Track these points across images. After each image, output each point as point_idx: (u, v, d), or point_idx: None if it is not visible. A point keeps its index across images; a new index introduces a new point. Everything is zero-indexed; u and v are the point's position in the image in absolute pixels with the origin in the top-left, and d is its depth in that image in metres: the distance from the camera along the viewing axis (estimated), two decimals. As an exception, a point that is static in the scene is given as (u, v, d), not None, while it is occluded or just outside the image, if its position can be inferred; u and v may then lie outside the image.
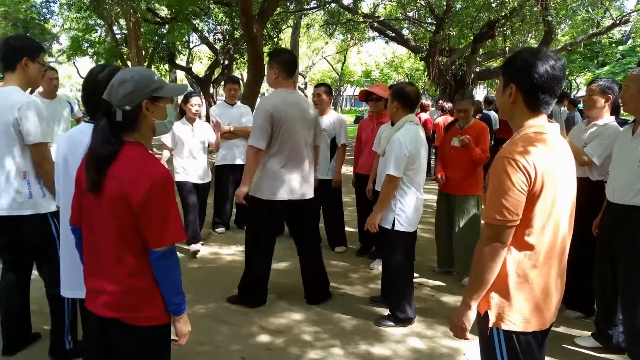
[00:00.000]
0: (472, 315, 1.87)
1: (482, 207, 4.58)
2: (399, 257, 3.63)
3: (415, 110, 4.96)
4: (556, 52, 2.00)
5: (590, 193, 3.52)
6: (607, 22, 14.56)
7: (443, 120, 10.25)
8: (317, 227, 4.49)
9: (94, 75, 2.31)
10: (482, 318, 1.89)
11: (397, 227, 3.54)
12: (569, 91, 25.29)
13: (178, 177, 5.19)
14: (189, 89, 5.96)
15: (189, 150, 5.19)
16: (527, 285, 1.79)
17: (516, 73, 1.79)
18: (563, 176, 1.79)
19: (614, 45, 19.37)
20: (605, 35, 15.89)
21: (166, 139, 5.18)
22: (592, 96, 3.65)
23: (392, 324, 3.69)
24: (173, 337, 1.96)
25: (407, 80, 34.31)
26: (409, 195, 3.54)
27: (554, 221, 1.78)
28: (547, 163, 1.72)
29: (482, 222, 1.82)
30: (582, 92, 27.79)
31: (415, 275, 4.81)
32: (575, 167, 3.65)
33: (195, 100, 5.25)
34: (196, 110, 5.21)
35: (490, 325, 1.84)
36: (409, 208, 3.55)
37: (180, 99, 5.78)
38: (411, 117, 3.59)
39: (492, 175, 1.77)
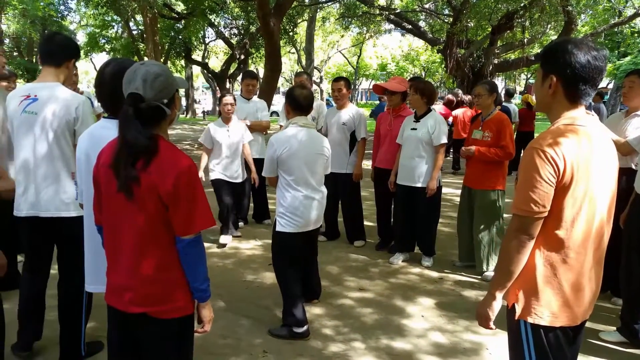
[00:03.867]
0: (496, 306, 1.86)
1: (504, 201, 4.57)
2: (279, 261, 3.53)
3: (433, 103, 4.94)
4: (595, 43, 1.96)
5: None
6: (629, 12, 14.26)
7: (462, 113, 10.17)
8: None
9: (102, 70, 2.31)
10: (510, 311, 1.87)
11: (278, 228, 3.44)
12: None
13: (213, 176, 5.33)
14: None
15: (226, 150, 5.30)
16: (556, 279, 1.76)
17: (557, 63, 1.75)
18: (599, 168, 1.75)
19: (636, 35, 18.93)
20: (627, 25, 15.56)
21: (205, 140, 5.35)
22: (633, 87, 3.64)
23: (284, 334, 3.44)
24: (196, 327, 1.97)
25: (423, 73, 34.06)
26: (287, 197, 3.40)
27: (587, 214, 1.74)
28: (579, 155, 1.69)
29: (512, 214, 1.79)
30: (603, 84, 27.30)
31: (436, 269, 4.80)
32: (618, 157, 3.66)
33: (227, 99, 5.32)
34: (228, 110, 5.28)
35: (516, 317, 1.83)
36: (289, 209, 3.40)
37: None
38: (298, 119, 3.47)
39: (521, 167, 1.76)
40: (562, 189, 1.69)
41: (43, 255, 3.01)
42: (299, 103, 3.48)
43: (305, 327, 3.42)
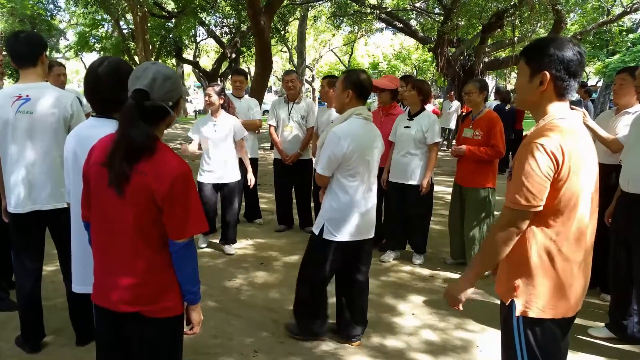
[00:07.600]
0: (470, 292, 1.91)
1: (495, 198, 4.59)
2: (314, 267, 3.20)
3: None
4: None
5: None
6: (618, 10, 14.36)
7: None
8: None
9: (94, 69, 2.28)
10: (507, 308, 1.88)
11: (326, 235, 3.08)
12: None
13: (199, 178, 4.89)
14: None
15: (212, 146, 4.82)
16: (552, 271, 1.78)
17: (548, 60, 1.77)
18: (587, 162, 1.78)
19: (624, 33, 19.01)
20: (615, 24, 15.65)
21: (193, 136, 4.88)
22: (623, 85, 3.66)
23: (294, 333, 3.38)
24: (185, 328, 1.98)
25: (415, 71, 34.07)
26: (341, 200, 3.06)
27: (581, 207, 1.77)
28: (574, 149, 1.72)
29: (504, 206, 1.81)
30: (592, 82, 27.51)
31: (427, 266, 4.81)
32: (607, 154, 3.66)
33: (208, 89, 4.82)
34: (206, 100, 4.81)
35: (517, 314, 1.83)
36: (341, 214, 3.06)
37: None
38: (360, 109, 3.09)
39: (518, 160, 1.76)
40: (560, 182, 1.71)
41: (39, 249, 3.11)
42: (366, 89, 3.11)
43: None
